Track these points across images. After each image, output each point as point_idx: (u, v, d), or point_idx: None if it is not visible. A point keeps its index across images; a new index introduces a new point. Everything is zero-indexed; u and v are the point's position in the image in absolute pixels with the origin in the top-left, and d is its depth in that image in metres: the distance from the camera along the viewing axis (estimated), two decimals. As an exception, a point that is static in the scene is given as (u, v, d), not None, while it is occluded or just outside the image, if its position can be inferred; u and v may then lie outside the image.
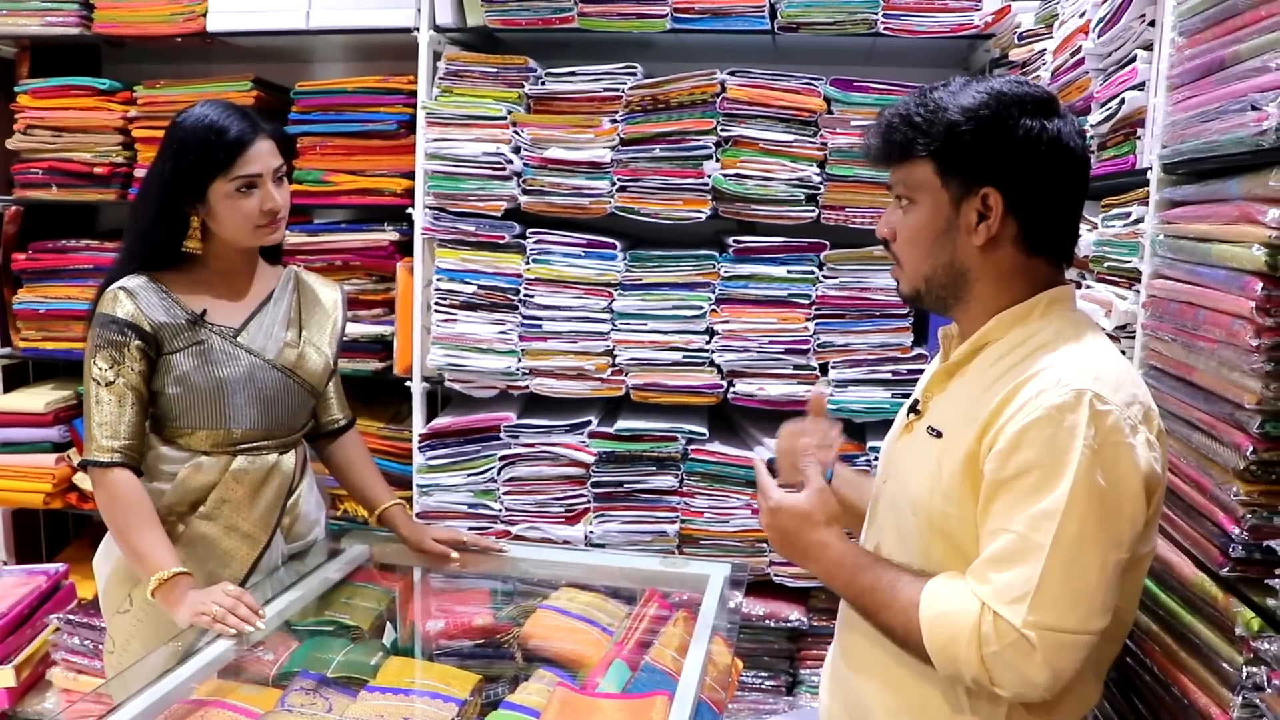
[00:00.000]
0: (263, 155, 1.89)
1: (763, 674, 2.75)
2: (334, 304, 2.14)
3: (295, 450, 2.06)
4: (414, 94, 2.76)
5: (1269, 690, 1.15)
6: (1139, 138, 1.68)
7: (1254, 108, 1.23)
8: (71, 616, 2.74)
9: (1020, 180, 1.29)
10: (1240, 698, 1.20)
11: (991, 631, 1.19)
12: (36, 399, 3.05)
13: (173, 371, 1.89)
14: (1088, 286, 1.87)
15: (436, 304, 2.75)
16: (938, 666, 1.25)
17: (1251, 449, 1.24)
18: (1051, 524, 1.17)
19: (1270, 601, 1.14)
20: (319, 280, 2.17)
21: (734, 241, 2.66)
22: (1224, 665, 1.24)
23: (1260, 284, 1.21)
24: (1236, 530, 1.25)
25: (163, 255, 1.93)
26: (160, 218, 1.91)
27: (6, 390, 3.17)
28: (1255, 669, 1.18)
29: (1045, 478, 1.18)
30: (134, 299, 1.88)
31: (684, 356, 2.67)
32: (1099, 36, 1.81)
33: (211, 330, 1.93)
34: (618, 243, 2.69)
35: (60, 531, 3.37)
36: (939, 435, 1.35)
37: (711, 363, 2.68)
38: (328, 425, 2.18)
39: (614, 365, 2.70)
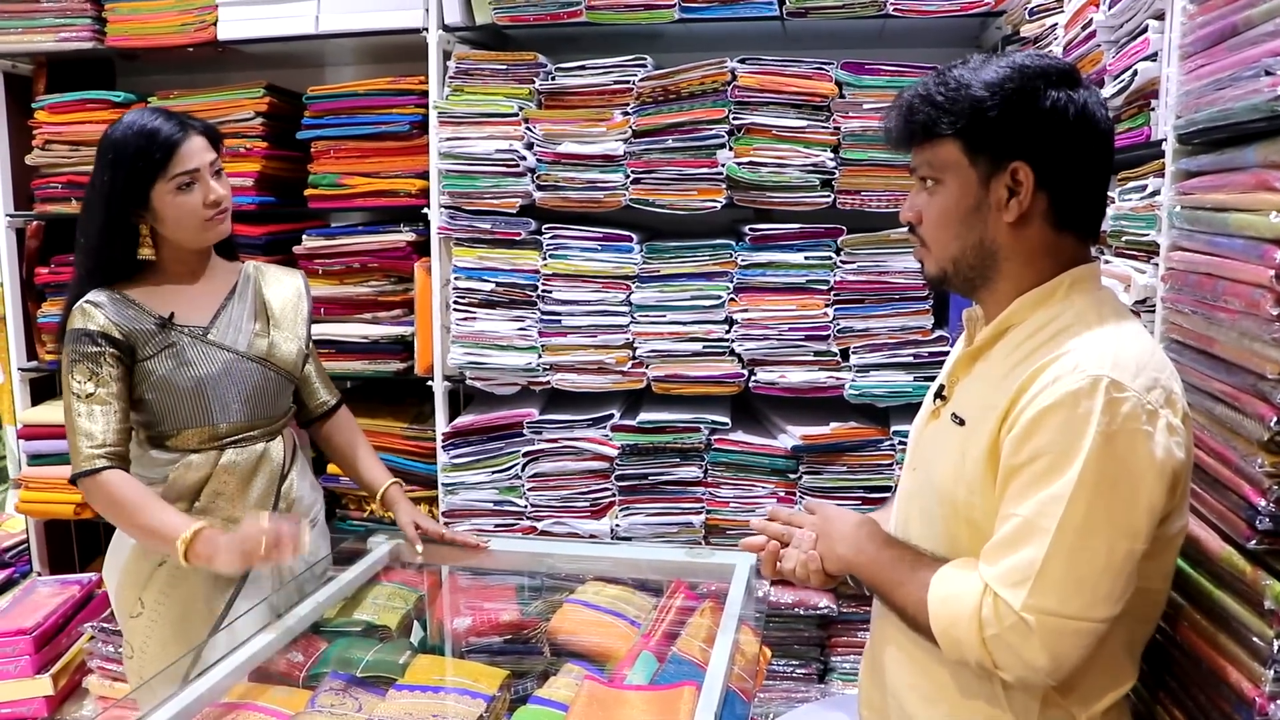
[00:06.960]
0: (196, 151, 1.91)
1: (793, 662, 2.74)
2: (296, 291, 2.16)
3: (282, 436, 2.08)
4: (425, 94, 2.77)
5: (1300, 663, 1.13)
6: (1153, 109, 1.66)
7: (1268, 73, 1.20)
8: (105, 625, 2.79)
9: (1050, 153, 1.27)
10: (1272, 671, 1.18)
11: (991, 614, 1.19)
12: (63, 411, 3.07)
13: (150, 378, 1.92)
14: (1106, 262, 1.85)
15: (455, 303, 2.76)
16: (943, 649, 1.25)
17: (1275, 420, 1.21)
18: (1058, 508, 1.16)
19: (1299, 573, 1.12)
20: (278, 270, 2.19)
21: (750, 229, 2.65)
22: (1254, 639, 1.22)
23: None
24: (1262, 502, 1.23)
25: (118, 267, 1.95)
26: (109, 230, 1.92)
27: (34, 403, 3.21)
28: (1286, 642, 1.17)
29: (1055, 463, 1.18)
30: (102, 310, 1.90)
31: (704, 346, 2.67)
32: (1110, 8, 1.78)
33: (181, 332, 1.95)
34: (634, 235, 2.68)
35: (92, 541, 3.40)
36: (962, 423, 1.34)
37: (732, 352, 2.67)
38: (317, 409, 2.22)
39: (634, 358, 2.69)
